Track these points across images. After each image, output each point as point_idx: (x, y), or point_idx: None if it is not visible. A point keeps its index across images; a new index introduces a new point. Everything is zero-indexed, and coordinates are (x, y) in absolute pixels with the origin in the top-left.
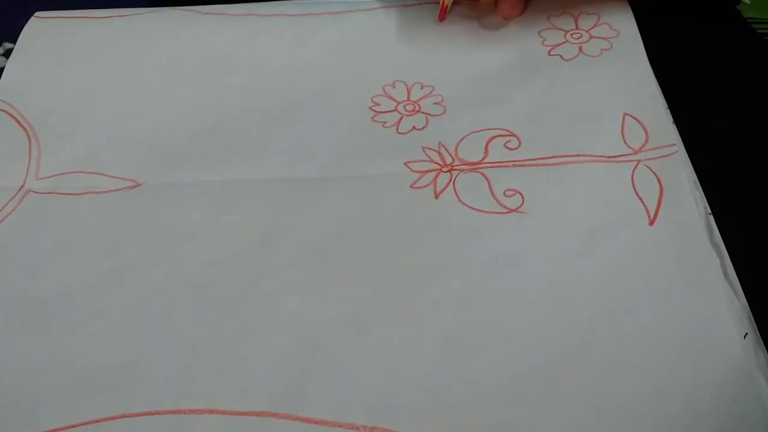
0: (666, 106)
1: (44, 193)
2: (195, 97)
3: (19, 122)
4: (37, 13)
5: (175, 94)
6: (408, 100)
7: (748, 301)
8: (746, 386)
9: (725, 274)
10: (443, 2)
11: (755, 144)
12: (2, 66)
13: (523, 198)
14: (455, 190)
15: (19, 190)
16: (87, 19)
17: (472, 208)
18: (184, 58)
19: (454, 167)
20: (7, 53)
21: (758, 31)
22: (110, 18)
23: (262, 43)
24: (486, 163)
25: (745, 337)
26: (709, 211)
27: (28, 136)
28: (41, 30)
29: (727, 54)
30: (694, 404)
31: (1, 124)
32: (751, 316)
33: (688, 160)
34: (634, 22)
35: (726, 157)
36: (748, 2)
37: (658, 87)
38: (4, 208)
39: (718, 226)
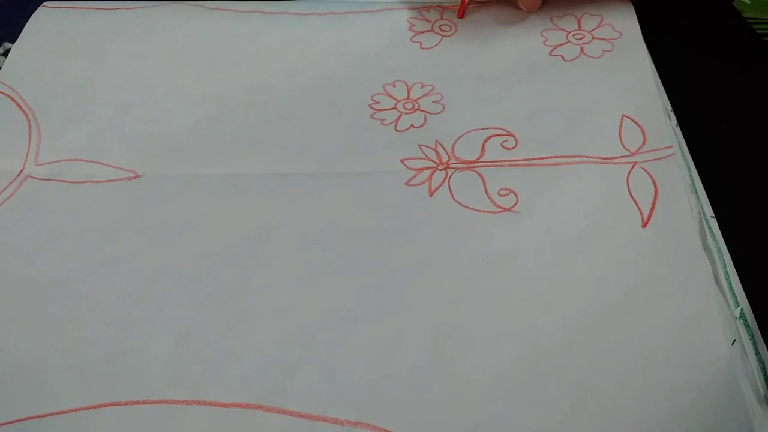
0: (671, 107)
1: (43, 179)
2: (197, 90)
3: (20, 106)
4: (45, 3)
5: (178, 87)
6: (408, 98)
7: (750, 304)
8: (729, 391)
9: (716, 279)
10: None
11: (759, 146)
12: (2, 65)
13: (517, 197)
14: (450, 188)
15: (19, 174)
16: (94, 9)
17: (466, 207)
18: (188, 50)
19: (450, 165)
20: (7, 53)
21: (758, 31)
22: (117, 9)
23: (266, 40)
24: (482, 162)
25: (733, 344)
26: (712, 215)
27: (29, 121)
28: (48, 18)
29: (731, 55)
30: (675, 406)
31: (2, 107)
32: (744, 323)
33: (691, 162)
34: (637, 24)
35: (729, 159)
36: (748, 2)
37: (662, 89)
38: (2, 192)
39: (720, 228)
